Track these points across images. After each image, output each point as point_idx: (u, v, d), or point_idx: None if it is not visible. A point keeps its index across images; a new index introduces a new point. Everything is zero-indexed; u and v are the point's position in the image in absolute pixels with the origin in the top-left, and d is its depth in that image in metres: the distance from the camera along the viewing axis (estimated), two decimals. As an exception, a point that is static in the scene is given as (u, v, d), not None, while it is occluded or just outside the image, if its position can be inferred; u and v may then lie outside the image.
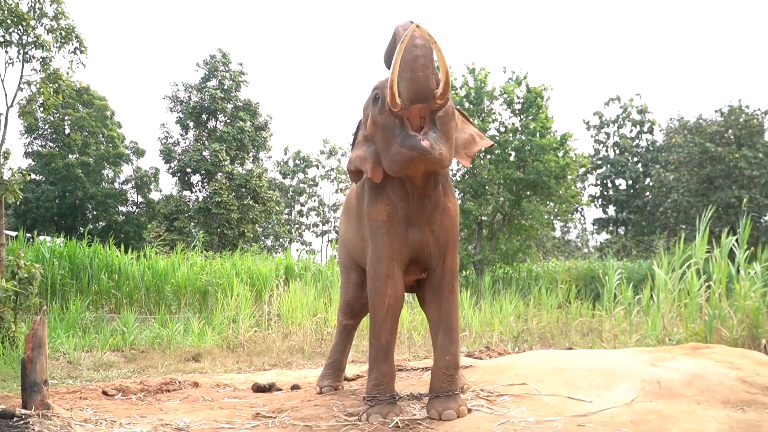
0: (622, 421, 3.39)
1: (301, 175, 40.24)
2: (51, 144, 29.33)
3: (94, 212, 30.10)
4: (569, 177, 20.47)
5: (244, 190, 25.63)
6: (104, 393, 4.89)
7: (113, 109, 30.99)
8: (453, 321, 3.83)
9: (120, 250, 13.11)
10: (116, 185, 31.33)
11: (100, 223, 30.04)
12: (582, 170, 29.03)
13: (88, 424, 3.60)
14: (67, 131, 29.41)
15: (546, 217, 21.25)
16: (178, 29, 74.34)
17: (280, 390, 4.99)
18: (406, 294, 4.26)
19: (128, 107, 64.11)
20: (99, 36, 63.32)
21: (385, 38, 3.62)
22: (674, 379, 3.92)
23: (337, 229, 39.60)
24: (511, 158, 19.93)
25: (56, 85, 9.81)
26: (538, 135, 19.46)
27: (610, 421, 3.40)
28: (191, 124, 26.28)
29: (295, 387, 5.03)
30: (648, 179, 32.89)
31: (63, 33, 10.03)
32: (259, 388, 4.96)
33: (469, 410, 3.66)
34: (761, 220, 23.76)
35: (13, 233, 15.04)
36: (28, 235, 15.25)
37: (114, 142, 30.57)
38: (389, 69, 3.40)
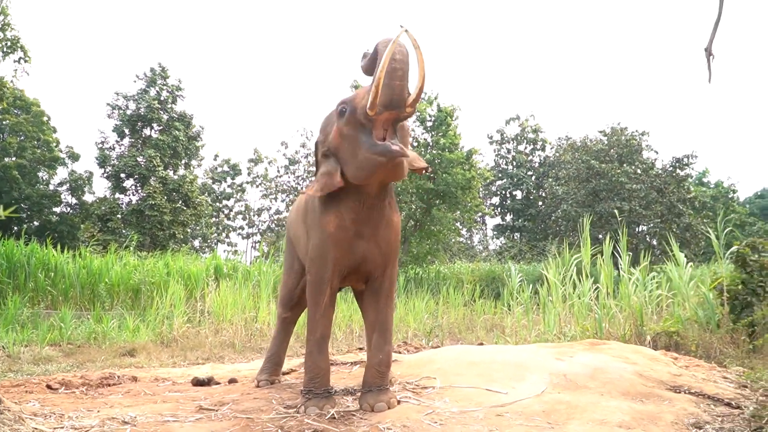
0: (535, 411, 3.44)
1: (229, 181, 39.58)
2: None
3: (29, 212, 28.76)
4: (474, 188, 20.87)
5: (176, 194, 25.07)
6: (48, 387, 4.64)
7: (49, 114, 29.80)
8: (388, 323, 3.82)
9: (56, 250, 12.53)
10: (51, 187, 30.05)
11: (35, 222, 28.72)
12: (485, 182, 29.61)
13: (37, 417, 3.41)
14: (3, 135, 28.09)
15: (453, 224, 21.60)
16: (116, 41, 71.90)
17: (219, 384, 4.85)
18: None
19: (65, 113, 61.55)
20: (40, 44, 60.58)
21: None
22: (578, 373, 4.02)
23: (261, 231, 39.13)
24: (423, 170, 20.16)
25: (0, 91, 9.33)
26: (447, 150, 19.75)
27: (524, 411, 3.45)
28: (127, 131, 25.52)
29: (232, 380, 4.90)
30: (541, 191, 33.87)
31: (8, 43, 9.54)
32: (198, 382, 4.80)
33: (399, 402, 3.65)
34: (639, 228, 24.78)
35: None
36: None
37: (49, 146, 29.38)
38: (369, 75, 3.40)
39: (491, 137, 35.96)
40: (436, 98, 20.62)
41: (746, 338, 6.01)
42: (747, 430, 3.21)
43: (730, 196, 35.30)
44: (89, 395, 4.45)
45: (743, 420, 3.40)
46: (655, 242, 23.77)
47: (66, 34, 70.68)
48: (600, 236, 21.70)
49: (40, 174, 29.50)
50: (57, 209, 29.97)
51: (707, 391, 3.94)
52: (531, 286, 9.06)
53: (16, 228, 25.47)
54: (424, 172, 3.79)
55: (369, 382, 3.69)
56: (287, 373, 5.11)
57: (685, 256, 7.60)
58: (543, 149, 35.72)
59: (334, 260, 3.68)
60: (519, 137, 35.73)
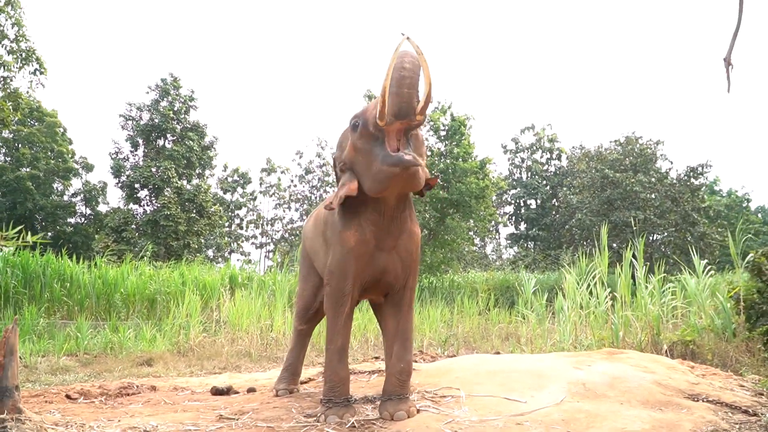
0: (555, 420, 3.46)
1: (240, 190, 39.75)
2: (2, 158, 28.26)
3: (44, 223, 29.04)
4: (488, 198, 20.88)
5: (190, 204, 25.24)
6: (68, 397, 4.70)
7: (65, 125, 30.09)
8: (409, 333, 3.87)
9: (72, 260, 12.65)
10: (65, 198, 30.33)
11: (49, 233, 28.99)
12: (499, 191, 29.62)
13: (59, 427, 3.46)
14: (18, 146, 28.41)
15: (467, 233, 21.60)
16: (131, 51, 72.53)
17: (238, 393, 4.90)
18: None
19: (79, 124, 62.04)
20: (55, 54, 61.21)
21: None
22: (597, 382, 4.03)
23: (275, 241, 39.23)
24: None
25: (16, 102, 9.46)
26: (461, 159, 19.77)
27: (544, 420, 3.47)
28: (141, 141, 25.72)
29: (251, 390, 4.94)
30: (555, 200, 33.79)
31: (24, 54, 9.69)
32: (217, 391, 4.85)
33: (418, 411, 3.68)
34: (653, 237, 24.67)
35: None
36: (-20, 245, 14.54)
37: (63, 157, 29.68)
38: None
39: (505, 146, 35.97)
40: (449, 107, 20.68)
41: (762, 347, 6.00)
42: (765, 438, 3.23)
43: (744, 205, 35.12)
44: (109, 405, 4.51)
45: (760, 427, 3.42)
46: (668, 251, 23.64)
47: (80, 44, 71.37)
48: (615, 245, 21.69)
49: (54, 185, 29.80)
50: (71, 220, 30.23)
51: (725, 399, 3.94)
52: (545, 294, 9.06)
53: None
54: (430, 185, 3.76)
55: (389, 391, 3.72)
56: (306, 383, 5.15)
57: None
58: (559, 158, 35.67)
59: (354, 274, 3.71)
60: (534, 146, 35.71)
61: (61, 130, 29.90)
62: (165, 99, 25.87)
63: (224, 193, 38.73)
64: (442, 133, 20.71)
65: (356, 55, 79.61)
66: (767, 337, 6.06)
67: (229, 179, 39.34)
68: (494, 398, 3.88)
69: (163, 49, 69.87)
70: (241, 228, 39.75)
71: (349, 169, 3.68)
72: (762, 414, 3.66)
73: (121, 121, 25.66)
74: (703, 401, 3.87)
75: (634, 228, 21.52)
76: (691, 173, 24.80)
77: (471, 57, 76.18)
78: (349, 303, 3.78)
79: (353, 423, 3.49)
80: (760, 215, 36.37)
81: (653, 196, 23.63)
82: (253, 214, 40.26)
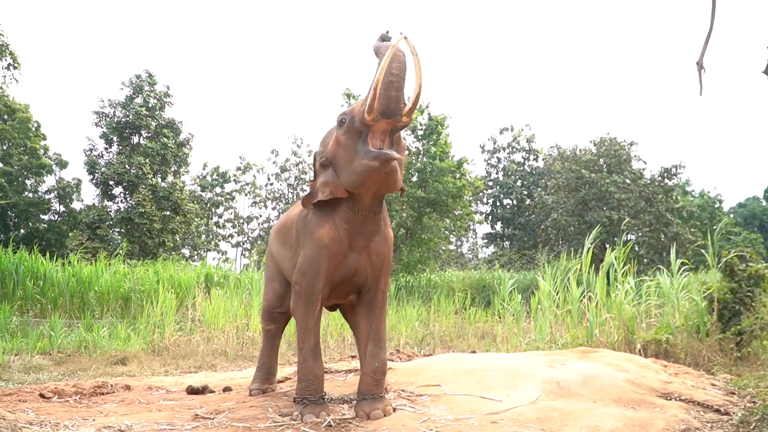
0: (530, 418, 3.49)
1: (218, 189, 39.46)
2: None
3: (16, 220, 28.55)
4: (465, 197, 20.93)
5: (165, 202, 24.94)
6: (42, 396, 4.64)
7: (38, 121, 29.57)
8: (382, 333, 3.88)
9: (45, 258, 12.48)
10: (38, 194, 29.83)
11: (22, 230, 28.51)
12: (476, 191, 29.71)
13: (33, 426, 3.42)
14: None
15: (444, 232, 21.64)
16: (106, 46, 71.58)
17: (213, 392, 4.87)
18: None
19: (53, 120, 61.11)
20: (29, 50, 60.27)
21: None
22: (571, 380, 4.07)
23: (251, 239, 39.03)
24: (414, 179, 20.20)
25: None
26: (438, 159, 19.80)
27: (518, 418, 3.50)
28: (115, 138, 25.36)
29: (227, 389, 4.91)
30: (530, 200, 33.99)
31: (-3, 49, 9.52)
32: (192, 391, 4.82)
33: (395, 410, 3.69)
34: (627, 237, 24.92)
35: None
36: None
37: (36, 154, 29.18)
38: (376, 58, 3.46)
39: (483, 146, 36.08)
40: (427, 107, 20.71)
41: (734, 346, 6.10)
42: (736, 436, 3.28)
43: (716, 206, 35.64)
44: (83, 404, 4.46)
45: (732, 426, 3.47)
46: (642, 251, 23.89)
47: (54, 39, 70.37)
48: (590, 245, 21.76)
49: (27, 182, 29.30)
50: (45, 217, 29.76)
51: (697, 398, 4.00)
52: (521, 294, 9.12)
53: (2, 236, 25.31)
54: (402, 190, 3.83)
55: (364, 390, 3.73)
56: (282, 381, 5.13)
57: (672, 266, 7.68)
58: (536, 159, 35.84)
59: (326, 272, 3.73)
60: (512, 146, 35.84)
61: (35, 125, 29.38)
62: (139, 95, 25.54)
63: (202, 191, 38.43)
64: (420, 133, 20.74)
65: (333, 53, 79.52)
66: (740, 337, 6.17)
67: (208, 177, 39.04)
68: (470, 397, 3.90)
69: (138, 44, 69.13)
70: (218, 226, 39.48)
71: (329, 164, 3.71)
72: (734, 413, 3.71)
73: (94, 118, 25.30)
74: (675, 400, 3.92)
75: (609, 228, 21.71)
76: (665, 174, 25.09)
77: (449, 57, 76.39)
78: (319, 302, 3.79)
79: (330, 422, 3.50)
80: (732, 216, 36.96)
81: (627, 196, 23.85)
82: (231, 213, 40.02)
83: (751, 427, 3.32)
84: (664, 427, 3.36)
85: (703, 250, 7.54)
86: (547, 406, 3.68)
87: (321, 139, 3.94)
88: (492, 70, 77.18)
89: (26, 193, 28.94)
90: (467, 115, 69.87)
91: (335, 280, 3.81)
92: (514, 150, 35.87)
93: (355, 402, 3.80)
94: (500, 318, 9.47)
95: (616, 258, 7.69)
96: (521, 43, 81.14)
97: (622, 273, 7.58)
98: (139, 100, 25.47)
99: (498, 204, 35.57)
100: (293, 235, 4.07)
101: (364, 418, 3.58)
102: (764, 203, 42.36)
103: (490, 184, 35.19)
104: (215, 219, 39.43)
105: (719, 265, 6.94)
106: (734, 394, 4.37)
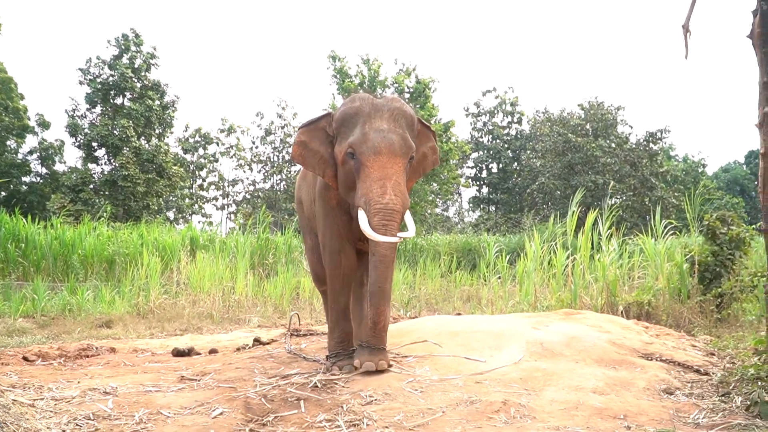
0: (513, 378, 3.53)
1: (201, 151, 39.01)
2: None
3: (-3, 182, 28.22)
4: (451, 161, 20.91)
5: (150, 164, 24.67)
6: (25, 359, 4.62)
7: (17, 81, 29.00)
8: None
9: (27, 220, 12.34)
10: (20, 156, 29.40)
11: (2, 192, 28.17)
12: (462, 155, 29.62)
13: (16, 389, 3.40)
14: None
15: (430, 196, 21.66)
16: (91, 3, 69.96)
17: (199, 354, 4.88)
18: None
19: (34, 79, 59.93)
20: (8, 4, 58.71)
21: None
22: (554, 341, 4.12)
23: (236, 202, 38.81)
24: (400, 142, 20.16)
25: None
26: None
27: (502, 378, 3.54)
28: (98, 99, 24.93)
29: (213, 351, 4.93)
30: (516, 164, 33.99)
31: (-27, 6, 9.26)
32: (178, 353, 4.82)
33: (390, 366, 3.71)
34: (612, 201, 25.06)
35: None
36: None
37: (18, 114, 28.66)
38: None
39: (467, 109, 35.88)
40: (414, 70, 20.57)
41: (714, 308, 6.19)
42: (715, 395, 3.34)
43: (699, 170, 35.86)
44: (68, 367, 4.45)
45: (711, 386, 3.53)
46: (626, 215, 24.07)
47: (33, -1, 68.67)
48: (575, 209, 21.85)
49: (8, 143, 28.85)
50: (26, 179, 29.40)
51: (677, 358, 4.06)
52: (507, 257, 9.17)
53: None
54: None
55: (363, 339, 3.87)
56: (268, 344, 5.15)
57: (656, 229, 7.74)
58: (519, 122, 35.67)
59: (338, 230, 3.93)
60: (496, 110, 35.63)
61: (14, 85, 28.82)
62: (125, 55, 25.08)
63: (185, 154, 38.01)
64: (407, 96, 20.62)
65: (319, 15, 78.33)
66: (720, 299, 6.26)
67: (191, 140, 38.57)
68: (455, 358, 3.94)
69: (123, 2, 67.63)
70: (203, 189, 39.16)
71: (351, 154, 3.62)
72: (713, 373, 3.78)
73: (79, 75, 24.81)
74: (656, 360, 3.98)
75: (595, 192, 21.80)
76: (650, 138, 25.17)
77: (436, 19, 75.59)
78: (344, 261, 3.93)
79: (316, 382, 3.52)
80: (714, 180, 37.23)
81: (613, 160, 23.93)
82: (215, 176, 39.66)
83: (730, 387, 3.38)
84: (645, 386, 3.42)
85: (686, 214, 7.60)
86: (530, 367, 3.72)
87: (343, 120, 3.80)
88: (477, 33, 76.55)
89: (7, 154, 28.50)
90: (453, 78, 69.42)
91: (353, 239, 3.96)
92: (498, 113, 35.65)
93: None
94: (485, 281, 9.53)
95: (600, 220, 7.73)
96: (507, 5, 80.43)
97: (606, 236, 7.63)
98: (124, 60, 25.02)
99: (484, 168, 35.52)
100: (313, 189, 4.25)
101: (357, 366, 3.68)
102: (745, 168, 42.68)
103: (475, 147, 35.06)
104: (199, 182, 39.09)
105: (700, 228, 7.01)
106: (714, 354, 4.45)
